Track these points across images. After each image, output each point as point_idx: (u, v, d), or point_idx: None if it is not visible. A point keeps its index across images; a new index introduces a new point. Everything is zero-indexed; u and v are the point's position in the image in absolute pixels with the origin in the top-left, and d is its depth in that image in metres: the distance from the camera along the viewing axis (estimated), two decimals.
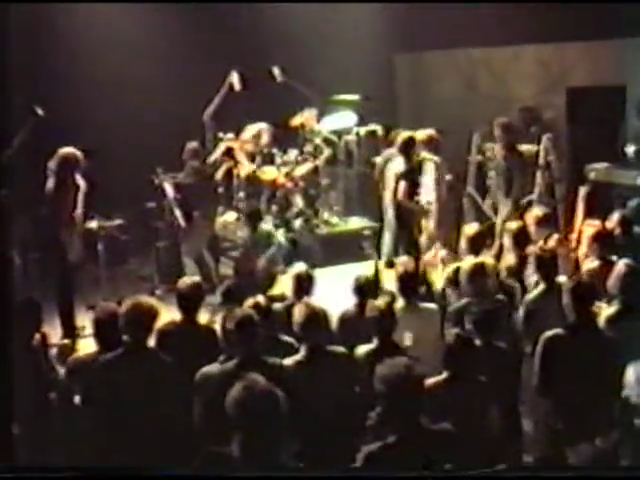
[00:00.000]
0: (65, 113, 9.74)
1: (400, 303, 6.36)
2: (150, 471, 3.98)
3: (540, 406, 5.86)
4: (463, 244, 7.41)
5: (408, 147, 9.14)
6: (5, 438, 3.95)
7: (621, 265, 6.03)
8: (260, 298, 5.91)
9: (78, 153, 8.32)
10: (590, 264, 6.88)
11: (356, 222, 10.81)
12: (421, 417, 4.25)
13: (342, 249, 10.05)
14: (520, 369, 5.97)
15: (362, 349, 5.71)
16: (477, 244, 7.27)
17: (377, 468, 4.10)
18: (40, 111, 8.60)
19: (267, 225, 9.39)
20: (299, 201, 10.48)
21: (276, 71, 10.84)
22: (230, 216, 10.47)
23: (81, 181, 8.30)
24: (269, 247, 8.76)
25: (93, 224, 8.89)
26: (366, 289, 6.45)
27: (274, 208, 10.38)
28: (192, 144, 9.69)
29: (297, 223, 10.31)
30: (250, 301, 5.82)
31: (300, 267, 6.71)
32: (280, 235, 9.41)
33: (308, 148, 10.77)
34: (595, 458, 4.40)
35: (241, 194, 10.45)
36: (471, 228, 7.55)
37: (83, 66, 10.52)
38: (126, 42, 10.69)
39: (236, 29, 11.31)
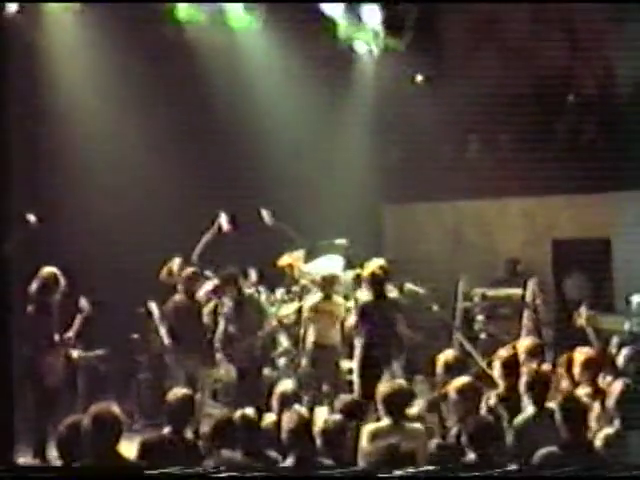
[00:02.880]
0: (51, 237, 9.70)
1: (385, 422, 6.19)
2: (150, 471, 3.78)
3: None
4: (439, 370, 7.22)
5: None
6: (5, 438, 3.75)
7: (620, 384, 5.92)
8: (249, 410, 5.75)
9: (58, 274, 8.24)
10: (582, 390, 6.75)
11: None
12: None
13: None
14: None
15: None
16: (453, 369, 7.09)
17: None
18: (32, 218, 8.58)
19: None
20: (283, 340, 10.34)
21: (265, 214, 10.95)
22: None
23: (85, 303, 8.21)
24: None
25: (74, 353, 8.74)
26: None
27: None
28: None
29: (281, 362, 10.14)
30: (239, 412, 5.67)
31: (286, 384, 6.55)
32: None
33: (295, 288, 10.74)
34: None
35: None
36: (447, 354, 7.41)
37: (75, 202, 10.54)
38: (119, 178, 10.76)
39: (227, 170, 11.47)
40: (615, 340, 8.47)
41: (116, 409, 5.46)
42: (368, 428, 6.28)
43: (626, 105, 11.95)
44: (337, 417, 5.85)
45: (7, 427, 3.67)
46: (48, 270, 8.27)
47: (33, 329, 8.15)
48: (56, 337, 8.19)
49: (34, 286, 8.22)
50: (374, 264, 9.18)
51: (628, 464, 4.65)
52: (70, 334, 8.33)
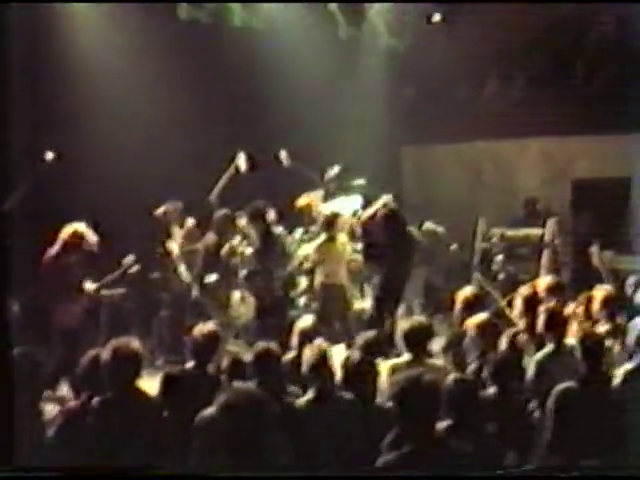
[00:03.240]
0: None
1: (406, 358, 6.26)
2: (150, 471, 3.85)
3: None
4: (458, 306, 7.28)
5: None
6: (5, 438, 3.81)
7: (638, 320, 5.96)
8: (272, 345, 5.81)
9: (83, 232, 8.25)
10: (601, 327, 6.78)
11: (360, 303, 10.69)
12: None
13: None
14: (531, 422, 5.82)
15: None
16: (474, 306, 7.14)
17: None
18: (50, 155, 8.57)
19: None
20: (303, 280, 10.41)
21: (283, 155, 10.94)
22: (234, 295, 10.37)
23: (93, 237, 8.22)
24: None
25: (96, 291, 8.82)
26: None
27: None
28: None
29: (301, 301, 10.21)
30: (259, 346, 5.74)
31: (306, 320, 6.61)
32: None
33: (313, 228, 10.75)
34: None
35: (244, 272, 10.38)
36: (467, 290, 7.46)
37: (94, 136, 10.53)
38: (138, 124, 10.74)
39: (246, 111, 11.44)
40: (632, 280, 8.49)
41: (136, 343, 5.52)
42: (389, 363, 6.38)
43: None
44: (358, 353, 5.90)
45: (7, 427, 3.72)
46: (73, 229, 8.23)
47: (55, 269, 8.20)
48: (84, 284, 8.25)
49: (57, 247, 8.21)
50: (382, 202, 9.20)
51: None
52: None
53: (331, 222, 9.64)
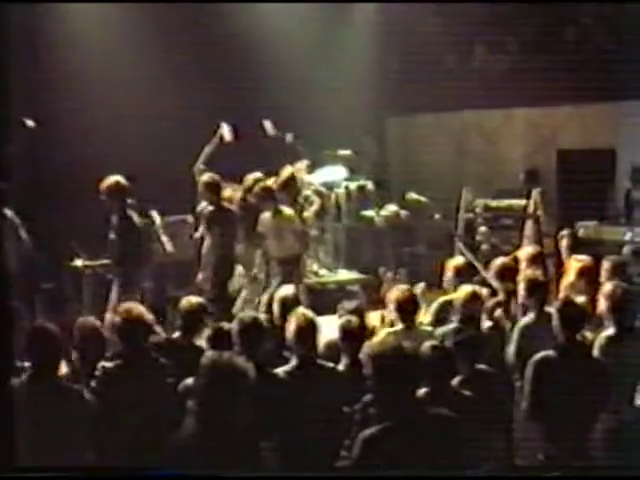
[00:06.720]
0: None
1: (399, 326, 6.34)
2: (150, 471, 3.87)
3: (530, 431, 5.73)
4: (449, 274, 7.32)
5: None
6: (5, 438, 3.81)
7: (611, 286, 5.98)
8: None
9: None
10: (580, 296, 6.79)
11: (344, 274, 10.71)
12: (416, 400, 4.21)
13: (328, 301, 9.92)
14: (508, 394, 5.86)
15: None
16: (463, 276, 7.18)
17: (376, 454, 4.01)
18: (31, 123, 8.53)
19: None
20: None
21: (267, 125, 10.88)
22: None
23: None
24: None
25: (78, 262, 8.82)
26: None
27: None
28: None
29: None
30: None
31: (287, 289, 6.61)
32: None
33: (298, 199, 10.72)
34: None
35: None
36: (458, 260, 7.51)
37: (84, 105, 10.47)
38: (120, 95, 10.68)
39: (229, 81, 11.37)
40: (627, 249, 8.56)
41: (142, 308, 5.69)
42: (385, 330, 6.47)
43: (636, 15, 11.74)
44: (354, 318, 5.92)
45: (7, 427, 3.71)
46: None
47: None
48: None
49: None
50: None
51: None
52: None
53: (266, 195, 9.36)
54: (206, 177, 9.32)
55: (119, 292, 8.32)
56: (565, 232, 8.79)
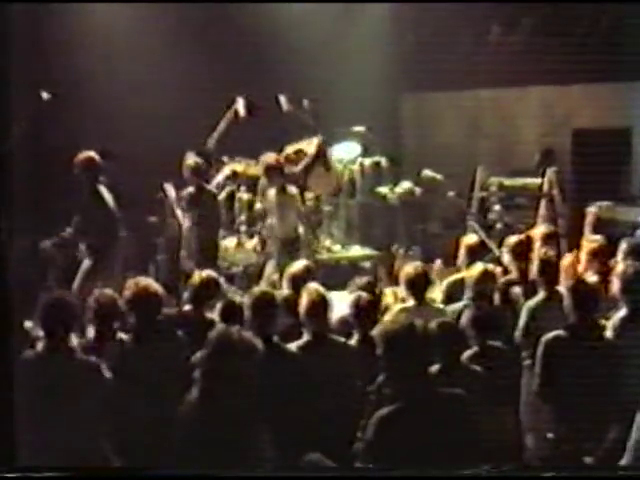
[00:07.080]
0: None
1: (410, 303, 6.37)
2: (150, 471, 3.91)
3: (540, 413, 5.74)
4: (462, 253, 7.33)
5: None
6: (5, 438, 3.84)
7: (625, 266, 5.97)
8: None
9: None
10: (592, 276, 6.80)
11: (357, 251, 10.71)
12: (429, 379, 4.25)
13: (341, 276, 9.94)
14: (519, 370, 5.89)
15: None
16: (476, 254, 7.19)
17: (389, 434, 4.04)
18: (45, 95, 8.52)
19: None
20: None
21: (282, 100, 10.87)
22: (230, 241, 10.38)
23: None
24: None
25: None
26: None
27: None
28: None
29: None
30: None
31: (298, 264, 6.64)
32: None
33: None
34: None
35: (242, 218, 10.39)
36: (471, 238, 7.52)
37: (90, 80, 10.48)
38: (131, 69, 10.67)
39: (244, 57, 11.35)
40: None
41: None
42: (398, 306, 6.50)
43: None
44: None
45: (7, 427, 3.73)
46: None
47: None
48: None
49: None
50: None
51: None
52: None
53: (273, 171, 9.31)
54: (190, 161, 9.29)
55: (89, 267, 8.28)
56: (591, 209, 8.70)
